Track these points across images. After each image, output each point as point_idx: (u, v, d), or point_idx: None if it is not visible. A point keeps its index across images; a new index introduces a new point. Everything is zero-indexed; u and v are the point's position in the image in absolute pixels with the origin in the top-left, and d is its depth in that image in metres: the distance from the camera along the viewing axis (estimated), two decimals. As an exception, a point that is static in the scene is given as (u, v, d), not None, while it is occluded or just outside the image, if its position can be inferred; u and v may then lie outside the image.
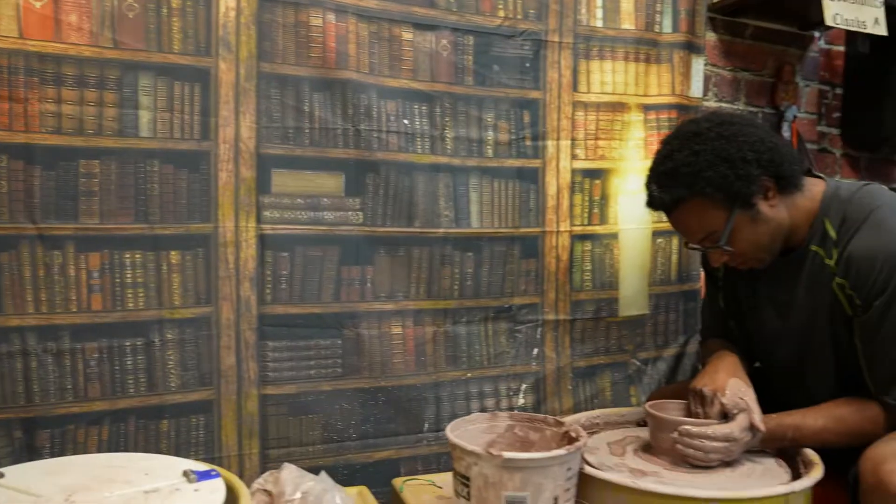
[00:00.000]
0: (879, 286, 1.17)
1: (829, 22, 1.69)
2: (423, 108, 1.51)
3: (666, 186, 1.26)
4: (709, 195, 1.22)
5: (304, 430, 1.45)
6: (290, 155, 1.41)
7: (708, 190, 1.21)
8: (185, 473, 1.00)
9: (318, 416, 1.46)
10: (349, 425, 1.49)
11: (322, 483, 1.01)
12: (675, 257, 1.82)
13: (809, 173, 1.38)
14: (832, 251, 1.26)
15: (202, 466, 1.05)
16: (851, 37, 2.12)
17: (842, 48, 2.16)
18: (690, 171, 1.21)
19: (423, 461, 1.55)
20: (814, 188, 1.31)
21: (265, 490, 1.13)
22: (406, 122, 1.49)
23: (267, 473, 1.19)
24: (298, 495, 0.99)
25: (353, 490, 1.34)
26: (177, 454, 1.28)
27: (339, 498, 0.99)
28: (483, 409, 1.58)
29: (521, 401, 1.67)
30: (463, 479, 1.06)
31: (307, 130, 1.41)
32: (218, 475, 1.01)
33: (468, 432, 1.20)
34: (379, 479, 1.48)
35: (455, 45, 1.53)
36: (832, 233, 1.26)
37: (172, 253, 1.34)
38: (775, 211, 1.26)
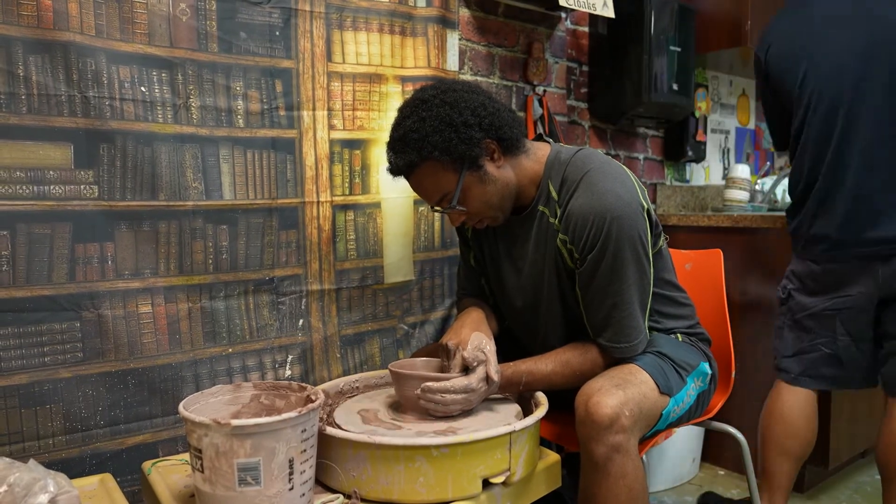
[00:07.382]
0: (591, 241, 1.30)
1: (561, 2, 1.83)
2: (163, 74, 1.44)
3: (399, 152, 1.31)
4: (437, 158, 1.28)
5: (40, 421, 1.34)
6: (3, 124, 1.27)
7: (435, 153, 1.27)
8: None
9: (58, 406, 1.36)
10: (95, 412, 1.40)
11: (32, 472, 0.94)
12: (437, 224, 1.90)
13: (540, 138, 1.50)
14: (556, 210, 1.37)
15: None
16: (593, 18, 2.31)
17: (586, 29, 2.35)
18: (418, 137, 1.27)
19: (183, 442, 1.50)
20: (539, 152, 1.42)
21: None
22: (143, 89, 1.41)
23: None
24: (4, 488, 0.92)
25: (95, 478, 1.26)
26: None
27: (54, 485, 0.93)
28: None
29: (288, 372, 1.66)
30: (196, 452, 1.04)
31: (24, 97, 1.29)
32: None
33: (210, 405, 1.18)
34: (134, 465, 1.42)
35: (195, 9, 1.46)
36: (554, 194, 1.38)
37: None
38: (502, 172, 1.36)
